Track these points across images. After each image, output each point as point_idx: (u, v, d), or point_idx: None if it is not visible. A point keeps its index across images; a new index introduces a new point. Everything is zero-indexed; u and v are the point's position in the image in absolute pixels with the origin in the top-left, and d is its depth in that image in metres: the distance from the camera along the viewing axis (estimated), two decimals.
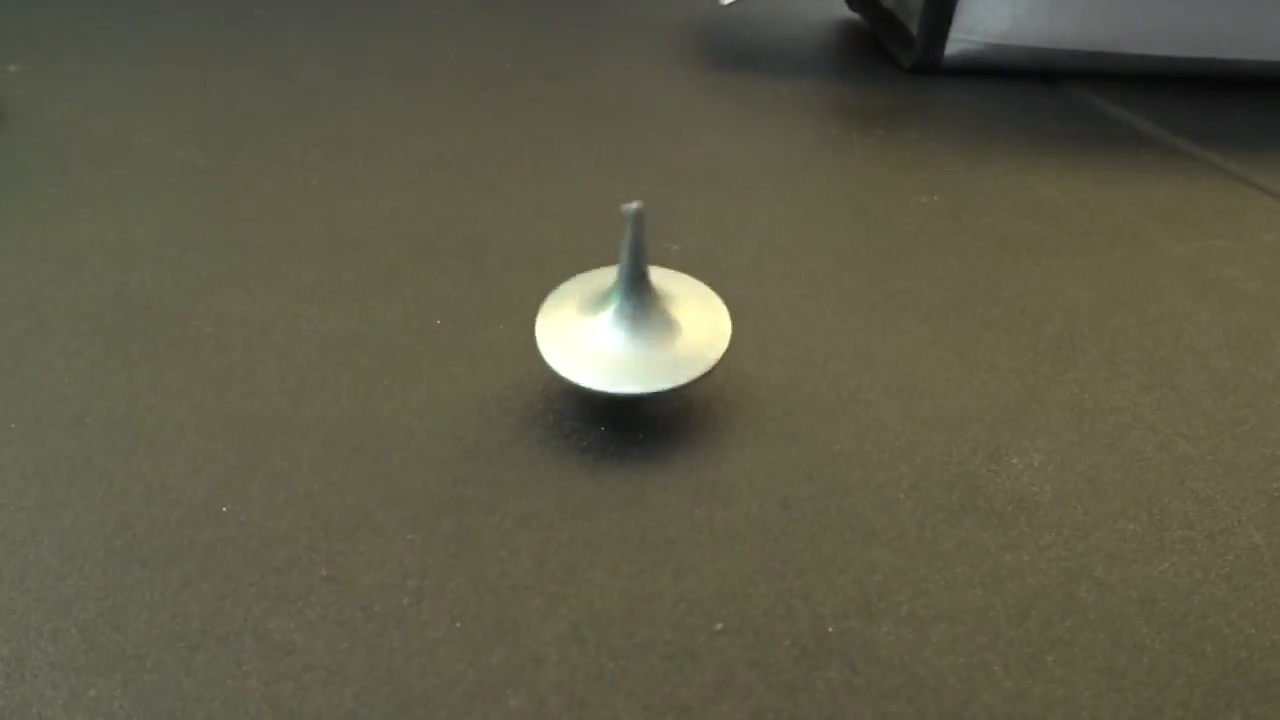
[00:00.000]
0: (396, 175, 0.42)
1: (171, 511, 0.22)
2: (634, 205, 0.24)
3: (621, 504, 0.23)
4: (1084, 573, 0.22)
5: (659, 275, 0.28)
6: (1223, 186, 0.46)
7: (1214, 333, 0.33)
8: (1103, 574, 0.22)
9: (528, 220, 0.38)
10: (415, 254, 0.35)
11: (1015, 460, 0.26)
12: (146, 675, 0.18)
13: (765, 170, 0.45)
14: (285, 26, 0.63)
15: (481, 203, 0.39)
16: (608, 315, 0.26)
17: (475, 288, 0.33)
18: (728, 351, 0.30)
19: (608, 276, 0.28)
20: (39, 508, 0.22)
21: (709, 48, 0.64)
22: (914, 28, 0.61)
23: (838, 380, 0.29)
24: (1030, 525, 0.24)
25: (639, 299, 0.25)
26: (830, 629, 0.20)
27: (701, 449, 0.25)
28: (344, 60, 0.57)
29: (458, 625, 0.20)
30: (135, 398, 0.26)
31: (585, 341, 0.25)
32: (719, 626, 0.20)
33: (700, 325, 0.26)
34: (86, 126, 0.44)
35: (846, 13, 0.76)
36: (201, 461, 0.24)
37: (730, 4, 0.58)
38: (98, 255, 0.33)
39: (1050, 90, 0.59)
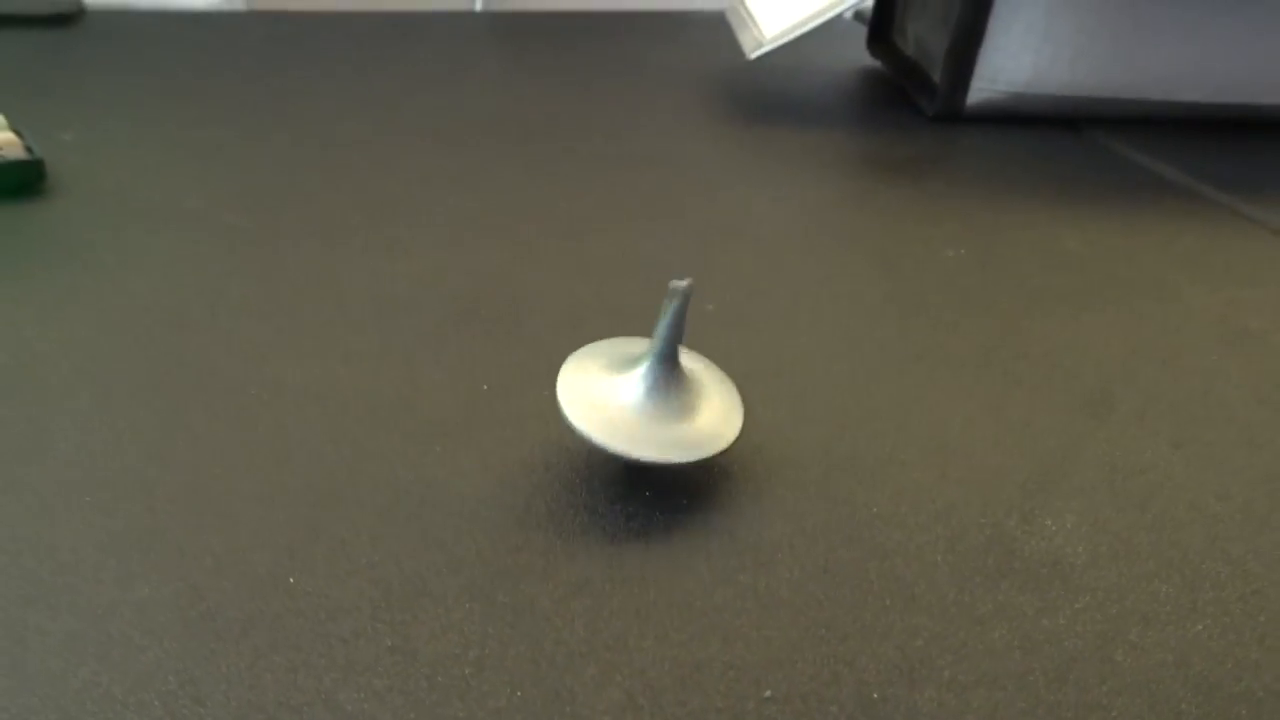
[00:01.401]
0: (437, 235, 0.43)
1: (241, 583, 0.23)
2: (684, 283, 0.26)
3: (669, 571, 0.24)
4: (1119, 636, 0.23)
5: (688, 357, 0.29)
6: (1248, 234, 0.47)
7: (1243, 386, 0.34)
8: (1137, 637, 0.23)
9: (565, 280, 0.39)
10: (459, 316, 0.36)
11: (1049, 521, 0.27)
12: None
13: (795, 224, 0.46)
14: (323, 86, 0.65)
15: (520, 262, 0.41)
16: (634, 377, 0.27)
17: (518, 350, 0.34)
18: (769, 412, 0.31)
19: (634, 345, 0.29)
20: (116, 581, 0.23)
21: (736, 100, 0.65)
22: (936, 76, 0.62)
23: (874, 440, 0.30)
24: (1065, 588, 0.24)
25: (668, 372, 0.26)
26: (875, 695, 0.21)
27: (743, 513, 0.26)
28: (380, 119, 0.59)
29: (518, 694, 0.20)
30: (200, 468, 0.27)
31: (604, 397, 0.26)
32: (767, 694, 0.21)
33: (715, 412, 0.27)
34: (138, 192, 0.46)
35: (869, 60, 0.77)
36: (266, 532, 0.25)
37: (756, 57, 0.59)
38: (156, 324, 0.35)
39: (1074, 137, 0.60)
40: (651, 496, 0.27)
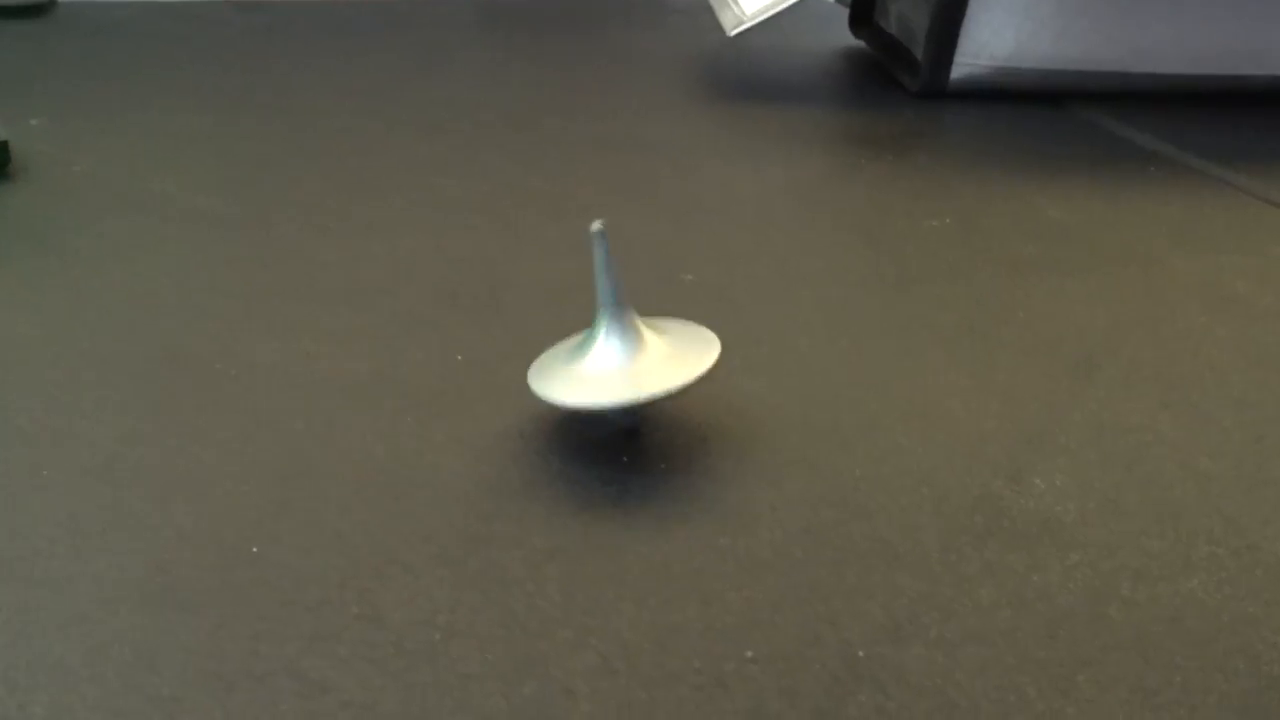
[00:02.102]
0: (415, 217, 0.42)
1: (205, 555, 0.22)
2: (596, 225, 0.25)
3: (647, 536, 0.23)
4: (1111, 592, 0.22)
5: (651, 321, 0.28)
6: (1232, 202, 0.46)
7: (1230, 349, 0.33)
8: (1130, 593, 0.22)
9: (547, 260, 0.39)
10: (435, 295, 0.35)
11: (1037, 481, 0.26)
12: (184, 717, 0.18)
13: (777, 199, 0.45)
14: (299, 72, 0.65)
15: (499, 243, 0.40)
16: (595, 339, 0.26)
17: (495, 327, 0.33)
18: (749, 380, 0.30)
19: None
20: (74, 554, 0.22)
21: (717, 79, 0.65)
22: (919, 53, 0.61)
23: (856, 407, 0.29)
24: (1055, 545, 0.24)
25: (624, 317, 0.26)
26: (860, 654, 0.20)
27: (723, 478, 0.26)
28: (360, 105, 0.58)
29: (489, 659, 0.20)
30: (166, 443, 0.26)
31: (575, 369, 0.26)
32: (748, 655, 0.20)
33: (683, 342, 0.27)
34: (108, 177, 0.45)
35: (851, 40, 0.77)
36: (233, 505, 0.24)
37: (736, 35, 0.58)
38: (125, 304, 0.34)
39: (1056, 111, 0.60)
40: (629, 463, 0.26)
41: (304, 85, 0.62)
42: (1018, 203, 0.45)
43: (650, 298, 0.35)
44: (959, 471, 0.26)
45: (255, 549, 0.22)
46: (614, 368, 0.25)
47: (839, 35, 0.79)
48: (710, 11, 0.85)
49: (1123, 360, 0.32)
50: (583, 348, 0.26)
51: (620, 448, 0.27)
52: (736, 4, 0.59)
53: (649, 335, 0.26)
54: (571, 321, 0.34)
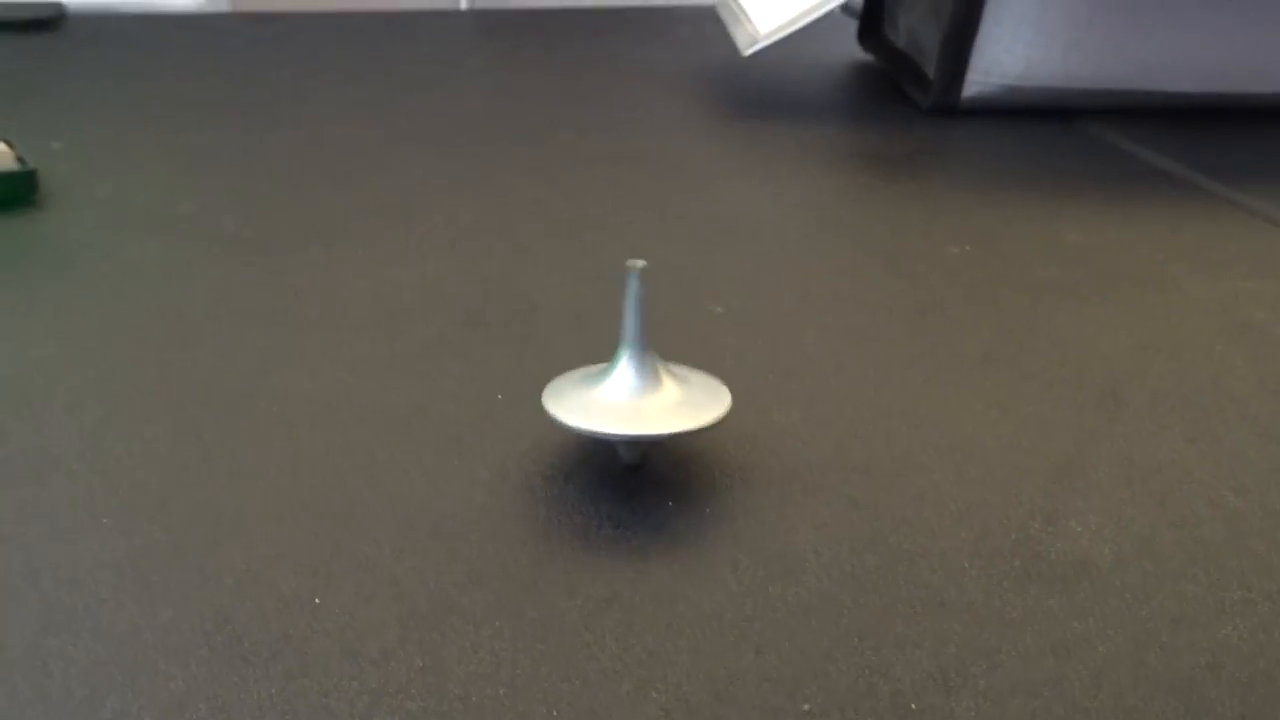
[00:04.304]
0: (438, 239, 0.42)
1: (265, 604, 0.23)
2: (638, 263, 0.26)
3: (698, 582, 0.24)
4: (1151, 638, 0.23)
5: (671, 366, 0.29)
6: (1245, 224, 0.47)
7: (1251, 380, 0.34)
8: (1169, 639, 0.23)
9: (570, 283, 0.39)
10: (465, 322, 0.36)
11: (1072, 522, 0.27)
12: None
13: (797, 222, 0.45)
14: (312, 88, 0.65)
15: (523, 266, 0.40)
16: (615, 372, 0.27)
17: (528, 356, 0.34)
18: (784, 414, 0.31)
19: (601, 365, 0.29)
20: (137, 603, 0.23)
21: (728, 96, 0.65)
22: (929, 69, 0.62)
23: (890, 441, 0.30)
24: (1094, 590, 0.24)
25: (644, 356, 0.27)
26: (912, 705, 0.21)
27: (767, 520, 0.26)
28: (372, 120, 0.58)
29: (554, 714, 0.20)
30: (215, 483, 0.27)
31: (585, 392, 0.27)
32: (806, 707, 0.21)
33: (696, 392, 0.28)
34: (132, 201, 0.45)
35: (860, 54, 0.77)
36: (287, 549, 0.25)
37: (751, 53, 0.59)
38: (160, 334, 0.34)
39: (1068, 129, 0.60)
40: (675, 507, 0.27)
41: (314, 98, 0.62)
42: (1035, 226, 0.46)
43: (680, 329, 0.36)
44: (996, 511, 0.27)
45: (317, 599, 0.23)
46: (623, 402, 0.26)
47: (845, 46, 0.79)
48: (716, 22, 0.85)
49: (1146, 391, 0.33)
50: (600, 377, 0.27)
51: (664, 492, 0.27)
52: (750, 22, 0.59)
53: (665, 379, 0.27)
54: (599, 348, 0.34)
